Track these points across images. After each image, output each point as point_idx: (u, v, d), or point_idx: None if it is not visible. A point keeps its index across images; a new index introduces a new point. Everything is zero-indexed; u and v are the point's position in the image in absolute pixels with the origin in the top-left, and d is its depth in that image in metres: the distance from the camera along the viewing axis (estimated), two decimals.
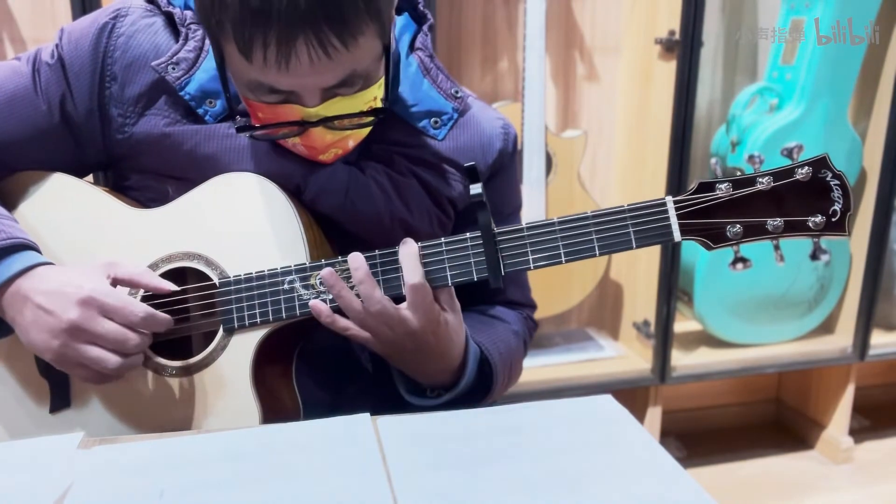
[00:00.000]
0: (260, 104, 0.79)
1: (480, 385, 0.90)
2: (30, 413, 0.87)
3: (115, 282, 0.80)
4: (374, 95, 0.82)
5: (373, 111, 0.81)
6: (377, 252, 0.82)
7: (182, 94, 0.86)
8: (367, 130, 0.86)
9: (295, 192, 0.87)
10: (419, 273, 0.79)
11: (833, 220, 0.77)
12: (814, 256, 0.80)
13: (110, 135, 0.88)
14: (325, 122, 0.79)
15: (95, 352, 0.76)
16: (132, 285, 0.82)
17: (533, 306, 1.06)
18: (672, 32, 1.76)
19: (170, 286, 0.82)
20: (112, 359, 0.76)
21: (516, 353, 0.97)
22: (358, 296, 0.80)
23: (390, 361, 0.87)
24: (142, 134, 0.87)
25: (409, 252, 0.80)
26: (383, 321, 0.80)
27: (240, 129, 0.81)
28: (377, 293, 0.79)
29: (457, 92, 0.95)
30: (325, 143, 0.82)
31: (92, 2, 1.41)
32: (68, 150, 0.90)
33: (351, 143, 0.86)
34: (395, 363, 0.87)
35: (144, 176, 0.90)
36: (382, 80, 0.82)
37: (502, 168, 0.98)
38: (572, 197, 1.88)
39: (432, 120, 0.93)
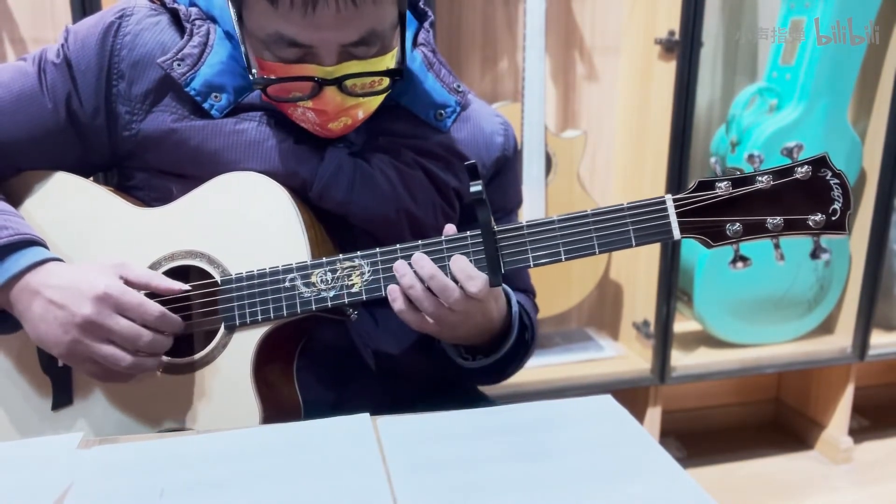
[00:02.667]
0: (276, 65, 0.79)
1: (521, 342, 0.93)
2: (34, 409, 0.88)
3: (127, 283, 0.80)
4: (387, 65, 0.82)
5: (388, 71, 0.82)
6: (377, 250, 0.82)
7: (187, 89, 0.86)
8: (377, 100, 0.86)
9: (301, 189, 0.88)
10: (481, 279, 0.79)
11: (833, 218, 0.77)
12: (814, 255, 0.80)
13: (117, 132, 0.89)
14: (341, 80, 0.79)
15: (108, 349, 0.77)
16: (145, 288, 0.82)
17: (534, 292, 1.07)
18: (672, 32, 1.76)
19: (181, 286, 0.82)
20: (125, 356, 0.77)
21: (536, 324, 1.00)
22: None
23: (448, 339, 0.88)
24: (149, 130, 0.87)
25: (464, 266, 0.80)
26: (462, 308, 0.80)
27: (256, 83, 0.81)
28: (451, 284, 0.79)
29: (458, 86, 0.96)
30: (336, 106, 0.82)
31: (92, 2, 1.41)
32: (74, 150, 0.90)
33: (360, 115, 0.86)
34: (452, 339, 0.88)
35: (149, 174, 0.90)
36: (396, 50, 0.83)
37: (506, 165, 1.00)
38: (572, 197, 1.88)
39: (437, 112, 0.94)
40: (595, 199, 1.93)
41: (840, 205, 0.77)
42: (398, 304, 0.80)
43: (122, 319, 0.77)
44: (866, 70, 1.97)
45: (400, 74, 0.83)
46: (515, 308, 0.91)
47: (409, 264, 0.80)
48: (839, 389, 2.16)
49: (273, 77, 0.80)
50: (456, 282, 0.79)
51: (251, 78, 0.82)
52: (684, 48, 1.72)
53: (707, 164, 2.06)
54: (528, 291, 1.06)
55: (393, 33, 0.82)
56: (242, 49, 0.82)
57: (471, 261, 0.81)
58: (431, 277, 0.79)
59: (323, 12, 0.74)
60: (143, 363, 0.79)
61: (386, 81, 0.83)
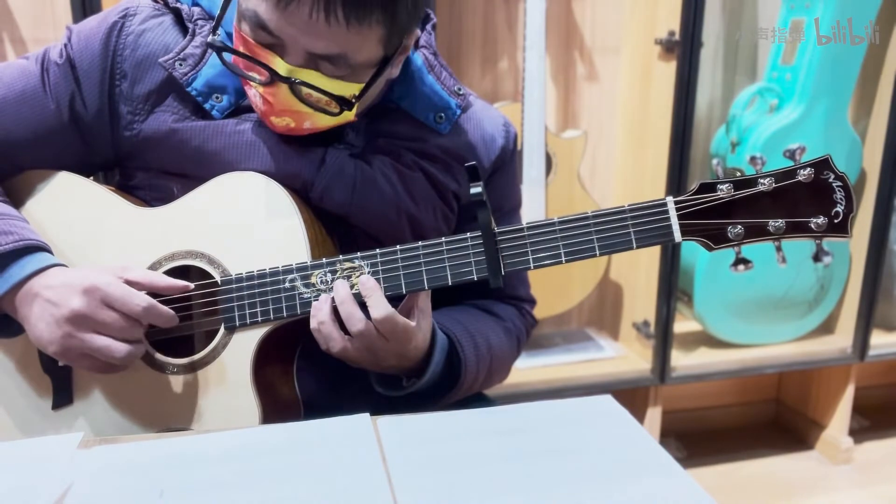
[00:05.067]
0: (247, 39, 0.79)
1: (450, 376, 0.91)
2: (34, 408, 0.88)
3: (128, 283, 0.80)
4: (350, 92, 0.82)
5: (341, 100, 0.81)
6: (377, 251, 0.82)
7: (189, 89, 0.86)
8: (327, 121, 0.85)
9: (302, 190, 0.88)
10: (383, 307, 0.79)
11: (835, 221, 0.76)
12: (816, 258, 0.80)
13: (119, 132, 0.89)
14: (296, 83, 0.79)
15: (101, 340, 0.77)
16: (148, 288, 0.82)
17: (532, 301, 1.06)
18: (672, 33, 1.76)
19: (184, 284, 0.82)
20: (118, 346, 0.77)
21: (501, 349, 0.97)
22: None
23: (356, 365, 0.87)
24: (150, 131, 0.87)
25: (371, 286, 0.80)
26: (363, 342, 0.80)
27: (212, 44, 0.81)
28: (358, 314, 0.79)
29: (459, 89, 0.96)
30: (284, 105, 0.82)
31: (92, 2, 1.41)
32: (76, 149, 0.90)
33: (307, 125, 0.85)
34: (361, 366, 0.87)
35: (150, 174, 0.90)
36: (362, 86, 0.82)
37: (504, 165, 0.99)
38: (572, 197, 1.88)
39: (437, 115, 0.93)
40: (595, 200, 1.93)
41: (843, 207, 0.76)
42: (312, 323, 0.81)
43: (110, 311, 0.77)
44: (866, 70, 1.97)
45: (349, 107, 0.82)
46: (439, 352, 0.88)
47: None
48: (839, 390, 2.16)
49: (232, 49, 0.80)
50: (364, 306, 0.79)
51: (210, 39, 0.81)
52: (684, 48, 1.72)
53: (707, 164, 2.06)
54: (525, 300, 1.05)
55: (367, 70, 0.81)
56: (219, 8, 0.81)
57: (471, 262, 0.81)
58: (342, 302, 0.79)
59: (294, 11, 0.74)
60: (135, 351, 0.79)
61: (338, 108, 0.82)
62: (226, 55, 0.81)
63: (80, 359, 0.79)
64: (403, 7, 0.77)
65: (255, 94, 0.84)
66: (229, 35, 0.87)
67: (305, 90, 0.80)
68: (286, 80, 0.79)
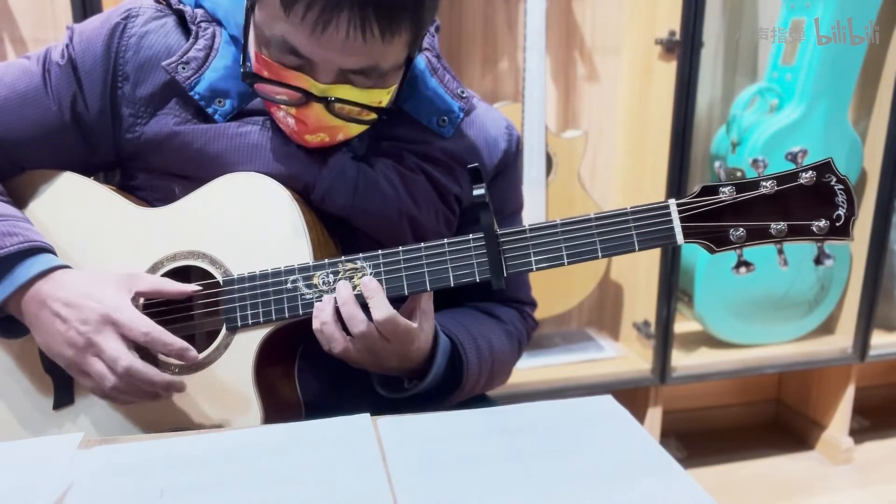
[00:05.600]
0: (271, 62, 0.79)
1: (452, 378, 0.91)
2: (36, 408, 0.88)
3: (139, 295, 0.81)
4: (380, 98, 0.83)
5: (375, 108, 0.82)
6: (380, 252, 0.82)
7: (192, 93, 0.86)
8: (359, 128, 0.86)
9: (304, 192, 0.88)
10: (384, 308, 0.79)
11: (837, 224, 0.76)
12: (818, 261, 0.80)
13: (121, 134, 0.89)
14: (331, 101, 0.79)
15: (98, 366, 0.77)
16: (157, 296, 0.82)
17: (533, 304, 1.06)
18: (672, 33, 1.76)
19: (193, 287, 0.83)
20: (109, 377, 0.77)
21: (502, 352, 0.97)
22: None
23: (358, 366, 0.86)
24: (152, 133, 0.87)
25: (373, 287, 0.80)
26: (365, 343, 0.80)
27: (245, 76, 0.81)
28: (360, 315, 0.79)
29: (462, 92, 0.96)
30: (318, 123, 0.82)
31: (92, 2, 1.41)
32: (78, 150, 0.90)
33: (340, 136, 0.86)
34: (363, 367, 0.87)
35: (152, 175, 0.90)
36: (394, 88, 0.84)
37: (506, 168, 0.99)
38: (572, 197, 1.88)
39: (440, 118, 0.93)
40: (595, 200, 1.93)
41: (844, 210, 0.76)
42: (315, 324, 0.80)
43: (114, 340, 0.76)
44: (867, 70, 1.97)
45: (387, 114, 0.84)
46: (441, 354, 0.89)
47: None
48: (840, 390, 2.16)
49: (265, 76, 0.80)
50: (366, 307, 0.79)
51: (242, 70, 0.81)
52: (685, 48, 1.72)
53: (707, 164, 2.06)
54: (526, 303, 1.05)
55: (396, 74, 0.83)
56: (242, 40, 0.81)
57: (474, 263, 0.81)
58: (344, 303, 0.79)
59: (331, 35, 0.74)
60: (128, 387, 0.77)
61: (373, 115, 0.83)
62: (257, 86, 0.81)
63: (81, 376, 0.80)
64: (428, 9, 0.79)
65: (284, 115, 0.84)
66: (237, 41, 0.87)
67: (339, 106, 0.81)
68: (322, 99, 0.79)
